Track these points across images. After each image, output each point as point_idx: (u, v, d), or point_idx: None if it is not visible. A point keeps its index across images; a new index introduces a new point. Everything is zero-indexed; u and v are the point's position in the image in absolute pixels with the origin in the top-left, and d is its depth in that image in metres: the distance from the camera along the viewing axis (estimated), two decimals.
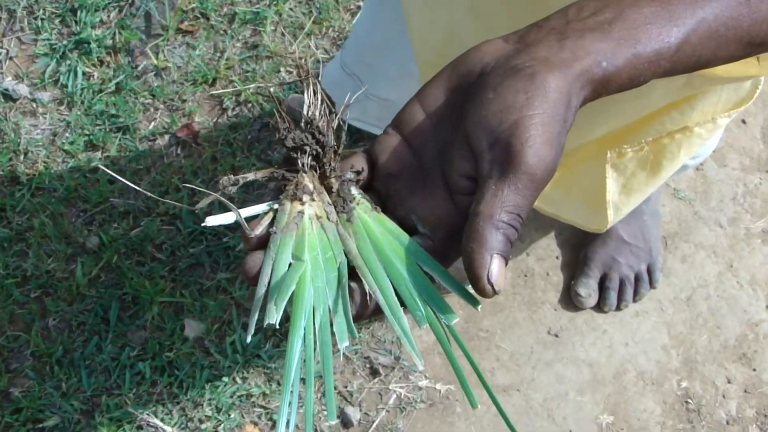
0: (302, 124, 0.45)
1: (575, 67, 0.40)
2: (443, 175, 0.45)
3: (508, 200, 0.40)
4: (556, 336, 1.50)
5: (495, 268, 0.39)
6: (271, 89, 0.52)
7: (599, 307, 1.48)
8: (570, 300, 1.50)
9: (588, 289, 1.46)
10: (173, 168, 1.69)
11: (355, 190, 0.46)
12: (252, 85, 0.50)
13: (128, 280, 1.51)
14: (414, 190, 0.46)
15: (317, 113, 0.45)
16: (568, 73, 0.40)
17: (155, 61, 1.79)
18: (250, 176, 0.45)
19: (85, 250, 1.56)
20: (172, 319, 1.49)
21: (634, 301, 1.50)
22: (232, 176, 0.44)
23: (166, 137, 1.75)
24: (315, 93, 0.46)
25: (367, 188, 0.48)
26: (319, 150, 0.46)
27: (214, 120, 1.78)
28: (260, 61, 1.83)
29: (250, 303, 1.55)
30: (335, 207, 0.45)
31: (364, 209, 0.45)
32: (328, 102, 0.46)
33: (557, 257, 1.61)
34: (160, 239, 1.59)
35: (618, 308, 1.49)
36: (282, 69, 1.83)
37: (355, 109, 1.19)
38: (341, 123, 0.46)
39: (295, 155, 0.45)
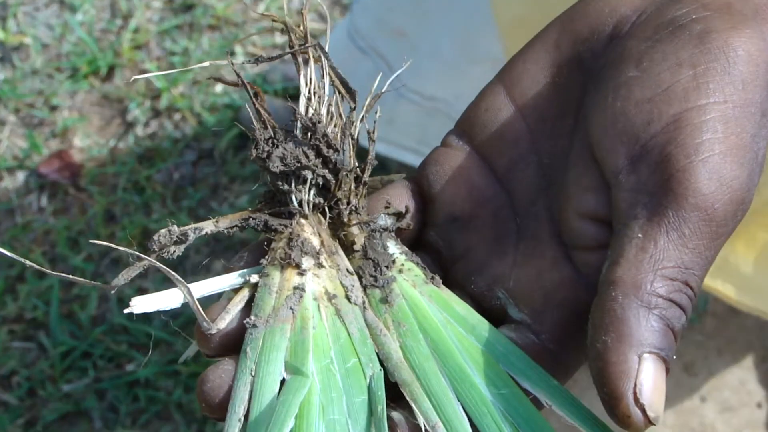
0: (298, 131, 0.46)
1: None
2: (551, 218, 0.46)
3: (666, 257, 0.40)
4: None
5: (647, 379, 0.39)
6: (241, 66, 0.53)
7: None
8: None
9: None
10: (33, 233, 1.71)
11: (395, 247, 0.47)
12: (202, 64, 0.50)
13: None
14: (500, 246, 0.47)
15: (324, 111, 0.46)
16: (767, 32, 0.41)
17: (0, 35, 1.83)
18: (208, 227, 0.45)
19: None
20: None
21: None
22: (175, 228, 0.44)
23: (20, 176, 1.78)
24: (320, 75, 0.47)
25: (417, 243, 0.49)
26: (330, 177, 0.46)
27: (111, 144, 1.80)
28: (197, 33, 1.87)
29: None
30: (360, 278, 0.46)
31: (411, 281, 0.46)
32: (345, 90, 0.46)
33: (759, 404, 1.55)
34: (8, 366, 1.59)
35: None
36: (240, 50, 1.86)
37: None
38: (368, 131, 0.47)
39: (285, 187, 0.46)
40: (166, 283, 1.63)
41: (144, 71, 1.83)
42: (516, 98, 0.47)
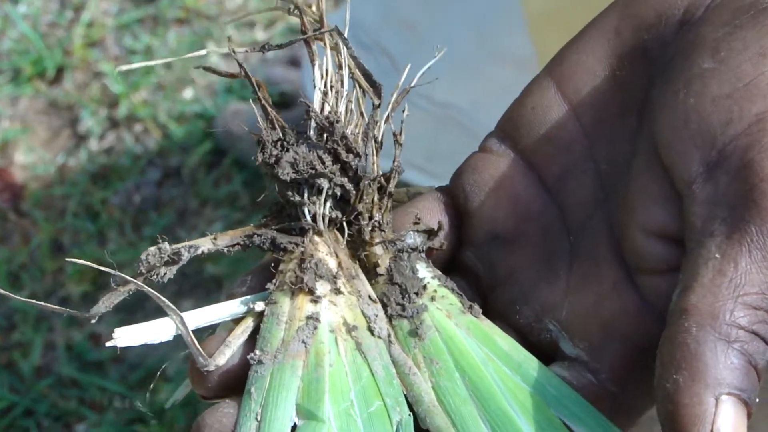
0: (312, 132, 0.46)
1: None
2: (611, 235, 0.46)
3: (748, 282, 0.40)
4: None
5: (725, 425, 0.39)
6: (239, 53, 0.53)
7: None
8: None
9: None
10: None
11: (425, 270, 0.47)
12: (191, 55, 0.50)
13: None
14: (550, 268, 0.47)
15: (343, 108, 0.46)
16: None
17: None
18: (204, 246, 0.45)
19: None
20: None
21: None
22: (165, 245, 0.44)
23: None
24: (338, 65, 0.47)
25: (452, 265, 0.49)
26: (350, 186, 0.46)
27: (60, 160, 1.79)
28: (162, 27, 1.87)
29: None
30: (385, 306, 0.46)
31: (446, 310, 0.46)
32: (368, 84, 0.47)
33: None
34: None
35: None
36: (212, 43, 1.85)
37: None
38: (394, 133, 0.47)
39: (297, 198, 0.46)
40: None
41: (98, 74, 1.83)
42: (569, 95, 0.47)
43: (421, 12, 1.14)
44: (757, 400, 0.41)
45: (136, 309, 1.59)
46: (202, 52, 0.49)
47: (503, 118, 0.49)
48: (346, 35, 0.48)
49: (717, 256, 0.40)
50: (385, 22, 1.17)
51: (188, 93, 1.84)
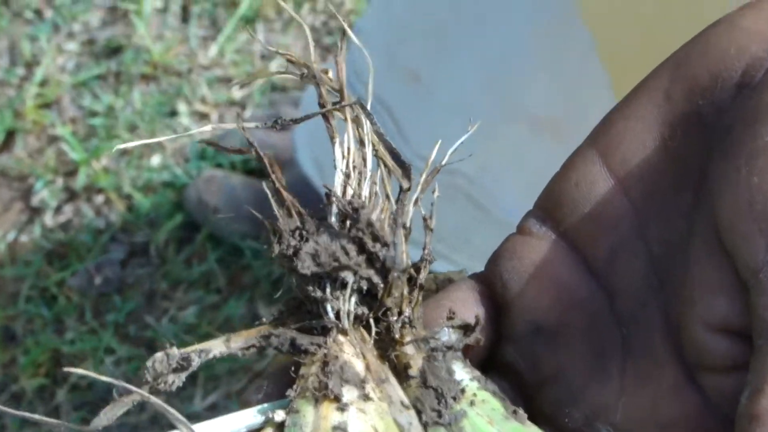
0: (333, 219, 0.47)
1: None
2: (668, 328, 0.46)
3: None
4: None
5: None
6: (243, 126, 0.53)
7: None
8: None
9: None
10: None
11: (463, 371, 0.47)
12: (203, 128, 0.50)
13: None
14: (601, 365, 0.47)
15: (366, 191, 0.47)
16: None
17: None
18: (217, 349, 0.45)
19: None
20: None
21: None
22: (174, 350, 0.44)
23: None
24: (360, 139, 0.47)
25: (490, 362, 0.49)
26: (377, 280, 0.46)
27: (10, 237, 1.79)
28: (125, 85, 1.87)
29: None
30: (420, 413, 0.46)
31: (487, 416, 0.46)
32: (395, 163, 0.47)
33: None
34: None
35: None
36: (183, 107, 1.85)
37: None
38: (424, 217, 0.48)
39: (318, 293, 0.46)
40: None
41: (53, 138, 1.83)
42: (615, 167, 0.47)
43: (427, 59, 1.14)
44: None
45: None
46: (206, 128, 0.49)
47: (542, 196, 0.49)
48: (368, 107, 0.48)
49: None
50: (388, 72, 1.17)
51: (156, 159, 1.84)
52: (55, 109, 1.91)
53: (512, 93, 1.07)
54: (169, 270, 1.75)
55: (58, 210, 1.83)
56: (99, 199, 1.83)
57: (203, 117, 1.90)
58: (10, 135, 1.89)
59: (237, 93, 1.89)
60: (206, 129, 0.50)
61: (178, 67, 1.92)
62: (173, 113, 1.92)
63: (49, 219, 1.83)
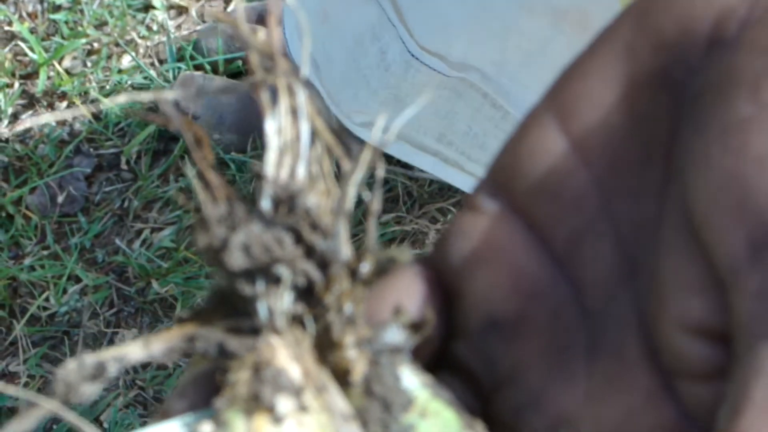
0: (266, 204, 0.46)
1: None
2: (641, 324, 0.46)
3: None
4: None
5: None
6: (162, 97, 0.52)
7: None
8: None
9: None
10: None
11: (411, 377, 0.47)
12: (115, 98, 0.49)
13: None
14: (565, 366, 0.47)
15: (303, 171, 0.47)
16: None
17: None
18: (134, 354, 0.46)
19: None
20: None
21: None
22: (87, 358, 0.44)
23: None
24: (294, 112, 0.47)
25: (442, 363, 0.49)
26: (315, 274, 0.46)
27: None
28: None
29: None
30: (365, 425, 0.46)
31: (440, 429, 0.46)
32: (336, 142, 0.47)
33: None
34: None
35: None
36: (158, 2, 1.84)
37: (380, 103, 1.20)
38: (366, 186, 0.48)
39: (249, 291, 0.46)
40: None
41: (9, 36, 1.83)
42: (575, 135, 0.46)
43: None
44: None
45: None
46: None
47: (493, 166, 0.49)
48: (306, 73, 0.48)
49: None
50: None
51: (126, 60, 1.84)
52: (12, 4, 1.90)
53: None
54: (141, 186, 1.76)
55: (15, 118, 1.83)
56: (62, 105, 1.83)
57: (181, 12, 1.89)
58: None
59: None
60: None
61: None
62: (147, 7, 1.92)
63: (4, 128, 1.83)
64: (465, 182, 1.26)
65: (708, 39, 0.44)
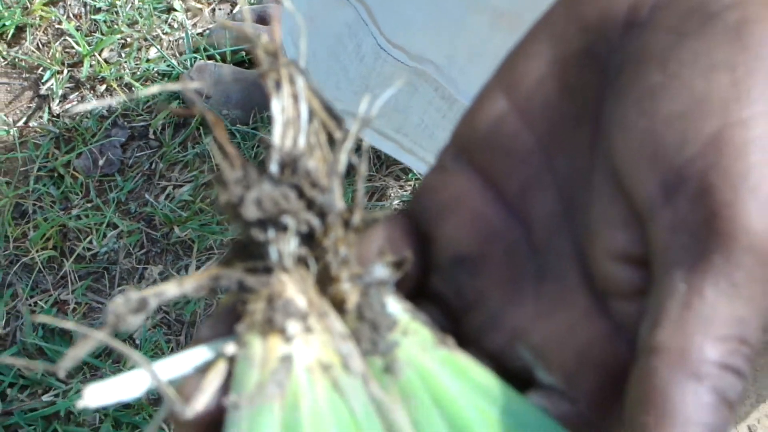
0: (274, 168, 0.46)
1: None
2: (578, 255, 0.45)
3: (717, 313, 0.39)
4: None
5: None
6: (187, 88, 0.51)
7: None
8: None
9: None
10: None
11: (395, 304, 0.47)
12: (151, 90, 0.48)
13: None
14: (519, 293, 0.47)
15: (303, 141, 0.46)
16: None
17: None
18: (171, 291, 0.45)
19: None
20: None
21: None
22: (131, 294, 0.44)
23: None
24: (294, 95, 0.47)
25: (420, 293, 0.49)
26: (315, 223, 0.46)
27: (22, 122, 1.78)
28: None
29: None
30: (358, 343, 0.46)
31: (419, 344, 0.46)
32: (328, 116, 0.46)
33: None
34: None
35: None
36: (179, 5, 1.83)
37: (351, 94, 1.21)
38: (356, 155, 0.47)
39: (262, 237, 0.46)
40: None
41: (60, 32, 1.81)
42: (520, 104, 0.46)
43: None
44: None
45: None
46: (154, 89, 0.48)
47: (456, 133, 0.48)
48: (303, 66, 0.47)
49: (683, 287, 0.40)
50: None
51: (153, 52, 1.82)
52: (61, 6, 1.88)
53: None
54: (165, 152, 1.74)
55: (64, 98, 1.81)
56: (101, 88, 1.81)
57: (196, 13, 1.87)
58: (20, 30, 1.86)
59: None
60: (155, 90, 0.49)
61: None
62: (169, 9, 1.90)
63: (56, 106, 1.81)
64: (418, 166, 1.26)
65: (625, 22, 0.43)
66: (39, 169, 1.75)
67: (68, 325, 0.43)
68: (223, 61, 1.80)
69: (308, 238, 0.47)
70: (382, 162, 1.75)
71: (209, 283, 0.46)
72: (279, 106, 0.46)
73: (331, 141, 0.47)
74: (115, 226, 1.69)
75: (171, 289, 0.45)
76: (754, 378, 1.50)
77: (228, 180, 0.46)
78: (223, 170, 0.46)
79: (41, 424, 1.57)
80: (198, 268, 1.64)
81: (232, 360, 0.46)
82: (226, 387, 0.45)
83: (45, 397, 1.57)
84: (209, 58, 1.82)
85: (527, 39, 0.47)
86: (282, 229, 0.46)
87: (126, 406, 1.55)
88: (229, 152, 0.46)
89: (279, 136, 0.46)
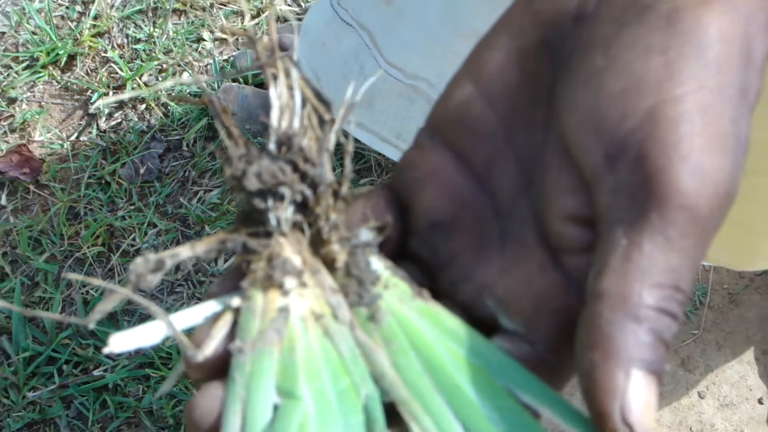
0: (272, 146, 0.46)
1: None
2: (536, 219, 0.46)
3: (654, 263, 0.40)
4: None
5: (635, 397, 0.39)
6: (200, 82, 0.53)
7: None
8: None
9: None
10: None
11: (378, 262, 0.47)
12: (169, 84, 0.50)
13: None
14: (485, 252, 0.47)
15: (297, 123, 0.46)
16: (740, 3, 0.40)
17: None
18: (184, 253, 0.45)
19: None
20: None
21: None
22: (150, 255, 0.44)
23: None
24: (290, 87, 0.47)
25: (400, 254, 0.49)
26: (308, 193, 0.46)
27: (74, 137, 1.79)
28: (161, 18, 1.85)
29: None
30: (346, 296, 0.46)
31: (398, 297, 0.46)
32: (318, 101, 0.47)
33: (760, 400, 1.54)
34: None
35: None
36: (207, 35, 1.85)
37: (359, 104, 1.19)
38: (343, 137, 0.47)
39: (262, 205, 0.46)
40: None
41: (106, 60, 1.82)
42: (484, 89, 0.46)
43: None
44: (668, 366, 0.41)
45: None
46: (184, 81, 0.48)
47: (431, 116, 0.49)
48: (296, 59, 0.47)
49: (624, 242, 0.40)
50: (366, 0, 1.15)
51: (186, 76, 1.82)
52: (107, 38, 1.88)
53: (463, 12, 1.06)
54: (197, 161, 1.74)
55: (110, 116, 1.82)
56: (142, 107, 1.82)
57: (223, 42, 1.88)
58: (72, 58, 1.86)
59: (248, 23, 1.87)
60: (182, 82, 0.49)
61: (203, 3, 1.89)
62: (199, 39, 1.90)
63: (103, 123, 1.81)
64: None
65: (574, 15, 0.44)
66: (89, 177, 1.76)
67: (96, 281, 0.43)
68: (246, 83, 1.80)
69: (303, 207, 0.47)
70: (383, 168, 1.75)
71: (218, 246, 0.46)
72: (276, 93, 0.46)
73: (322, 123, 0.47)
74: (155, 226, 1.69)
75: (184, 252, 0.46)
76: (702, 351, 1.50)
77: (232, 156, 0.46)
78: (229, 148, 0.46)
79: (92, 395, 1.57)
80: (225, 260, 1.64)
81: (237, 312, 0.46)
82: (232, 335, 0.45)
83: (96, 372, 1.57)
84: (234, 80, 1.82)
85: (490, 33, 0.47)
86: (280, 198, 0.46)
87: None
88: (233, 133, 0.47)
89: (276, 118, 0.46)
